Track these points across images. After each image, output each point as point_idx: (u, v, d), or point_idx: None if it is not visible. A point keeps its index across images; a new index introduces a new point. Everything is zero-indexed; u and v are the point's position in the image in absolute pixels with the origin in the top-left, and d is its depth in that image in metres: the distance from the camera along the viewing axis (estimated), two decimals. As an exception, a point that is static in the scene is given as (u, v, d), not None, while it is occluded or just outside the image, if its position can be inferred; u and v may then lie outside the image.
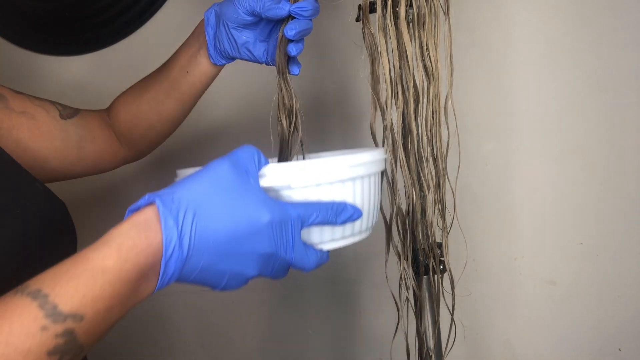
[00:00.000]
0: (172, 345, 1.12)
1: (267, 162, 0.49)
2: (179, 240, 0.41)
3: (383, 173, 0.61)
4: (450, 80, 0.66)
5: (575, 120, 0.87)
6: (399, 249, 0.69)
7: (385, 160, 0.59)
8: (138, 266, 0.41)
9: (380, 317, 1.02)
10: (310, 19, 0.60)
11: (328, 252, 0.52)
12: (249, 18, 0.62)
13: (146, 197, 0.43)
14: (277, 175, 0.49)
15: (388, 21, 0.62)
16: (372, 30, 0.62)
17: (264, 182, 0.48)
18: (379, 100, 0.64)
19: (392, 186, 0.66)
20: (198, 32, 0.68)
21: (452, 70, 0.66)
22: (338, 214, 0.50)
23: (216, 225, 0.43)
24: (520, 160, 0.91)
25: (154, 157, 0.81)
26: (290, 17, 0.60)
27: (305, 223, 0.48)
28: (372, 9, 0.63)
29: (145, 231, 0.41)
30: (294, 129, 0.62)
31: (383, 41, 0.62)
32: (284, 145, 0.63)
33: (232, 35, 0.64)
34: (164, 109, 0.70)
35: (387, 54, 0.63)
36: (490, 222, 0.94)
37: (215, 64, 0.67)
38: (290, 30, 0.59)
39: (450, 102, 0.66)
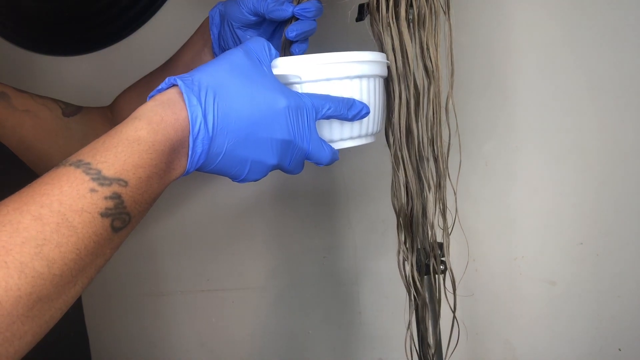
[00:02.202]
0: (172, 344, 1.12)
1: (277, 55, 0.51)
2: (204, 118, 0.43)
3: (386, 80, 0.63)
4: (451, 81, 0.66)
5: (575, 120, 0.87)
6: (404, 248, 0.69)
7: (388, 66, 0.61)
8: (169, 139, 0.42)
9: (380, 317, 1.02)
10: (314, 20, 0.61)
11: (338, 151, 0.54)
12: (253, 18, 0.63)
13: (166, 80, 0.45)
14: (288, 66, 0.51)
15: (390, 20, 0.62)
16: (380, 29, 0.62)
17: (275, 72, 0.50)
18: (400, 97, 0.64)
19: (396, 183, 0.66)
20: (202, 30, 0.68)
21: (452, 70, 0.66)
22: (349, 107, 0.53)
23: (237, 107, 0.45)
24: (520, 160, 0.91)
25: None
26: (293, 18, 0.61)
27: (319, 113, 0.50)
28: (377, 8, 0.63)
29: (171, 107, 0.43)
30: None
31: (388, 40, 0.62)
32: None
33: (236, 34, 0.64)
34: None
35: (394, 53, 0.63)
36: (490, 222, 0.94)
37: None
38: (291, 32, 0.60)
39: (450, 102, 0.66)
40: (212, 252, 1.08)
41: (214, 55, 0.67)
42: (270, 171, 0.50)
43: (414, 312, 0.71)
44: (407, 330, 0.71)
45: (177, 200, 1.12)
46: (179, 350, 1.12)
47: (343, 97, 0.53)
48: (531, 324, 0.95)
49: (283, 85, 0.48)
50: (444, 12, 0.65)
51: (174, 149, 0.43)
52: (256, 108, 0.46)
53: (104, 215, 0.38)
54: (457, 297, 0.72)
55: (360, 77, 0.55)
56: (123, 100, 0.74)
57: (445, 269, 0.69)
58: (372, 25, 0.64)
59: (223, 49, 0.67)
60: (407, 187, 0.67)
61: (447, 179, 0.67)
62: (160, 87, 0.45)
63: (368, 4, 0.64)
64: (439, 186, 0.66)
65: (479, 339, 0.98)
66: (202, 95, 0.43)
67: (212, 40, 0.67)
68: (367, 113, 0.55)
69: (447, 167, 0.66)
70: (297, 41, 0.62)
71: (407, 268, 0.69)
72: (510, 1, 0.87)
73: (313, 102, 0.50)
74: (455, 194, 0.68)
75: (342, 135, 0.55)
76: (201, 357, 1.10)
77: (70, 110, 0.69)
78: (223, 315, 1.08)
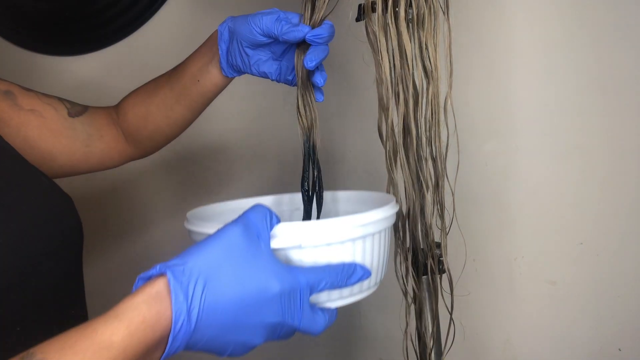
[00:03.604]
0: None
1: (278, 221, 0.49)
2: (187, 314, 0.42)
3: (394, 225, 0.61)
4: (450, 81, 0.66)
5: (575, 120, 0.87)
6: (400, 248, 0.69)
7: (397, 213, 0.58)
8: (145, 342, 0.41)
9: (380, 317, 1.02)
10: (327, 45, 0.60)
11: (336, 309, 0.52)
12: (264, 39, 0.62)
13: (157, 268, 0.43)
14: (288, 235, 0.48)
15: (388, 21, 0.62)
16: (375, 30, 0.62)
17: (275, 244, 0.48)
18: (382, 100, 0.64)
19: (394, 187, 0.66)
20: (211, 43, 0.68)
21: (451, 70, 0.66)
22: (348, 276, 0.50)
23: (225, 298, 0.43)
24: (520, 160, 0.91)
25: (161, 153, 0.81)
26: (305, 42, 0.60)
27: (314, 290, 0.48)
28: (373, 9, 0.63)
29: (156, 305, 0.41)
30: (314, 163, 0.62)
31: (384, 40, 0.62)
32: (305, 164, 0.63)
33: (245, 52, 0.63)
34: (173, 113, 0.71)
35: (388, 54, 0.63)
36: (490, 222, 0.93)
37: (227, 76, 0.67)
38: (311, 61, 0.58)
39: (449, 102, 0.66)
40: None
41: (221, 69, 0.67)
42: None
43: (411, 312, 0.71)
44: (406, 331, 0.71)
45: (177, 201, 1.12)
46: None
47: (343, 265, 0.50)
48: (531, 324, 0.95)
49: (279, 265, 0.46)
50: (443, 12, 0.65)
51: (148, 350, 0.41)
52: (247, 296, 0.44)
53: None
54: (456, 297, 0.72)
55: (364, 237, 0.51)
56: (128, 103, 0.74)
57: (444, 269, 0.69)
58: (366, 26, 0.63)
59: (231, 64, 0.66)
60: (405, 188, 0.67)
61: (446, 179, 0.67)
62: (150, 272, 0.43)
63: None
64: (437, 186, 0.66)
65: (479, 339, 0.98)
66: (190, 288, 0.42)
67: (219, 55, 0.66)
68: (368, 277, 0.52)
69: (445, 167, 0.66)
70: (317, 70, 0.60)
71: (403, 268, 0.69)
72: (510, 1, 0.87)
73: (308, 280, 0.47)
74: (453, 194, 0.68)
75: (341, 294, 0.52)
76: (202, 356, 1.11)
77: (76, 110, 0.69)
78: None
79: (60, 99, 0.69)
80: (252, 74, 0.66)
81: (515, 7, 0.87)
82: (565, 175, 0.89)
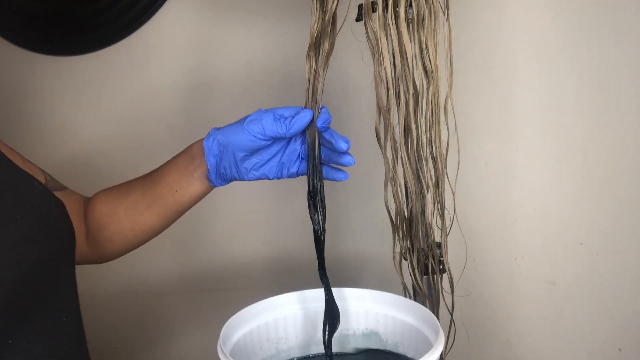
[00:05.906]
0: (173, 344, 1.13)
1: None
2: None
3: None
4: (450, 81, 0.66)
5: (575, 120, 0.87)
6: (402, 248, 0.69)
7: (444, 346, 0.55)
8: None
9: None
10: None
11: None
12: (266, 142, 0.61)
13: None
14: None
15: (389, 21, 0.62)
16: (375, 30, 0.62)
17: None
18: (380, 101, 0.64)
19: (393, 185, 0.66)
20: (192, 154, 0.66)
21: (451, 70, 0.66)
22: None
23: None
24: (520, 160, 0.91)
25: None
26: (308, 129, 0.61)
27: None
28: (373, 9, 0.63)
29: None
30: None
31: (384, 40, 0.62)
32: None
33: (243, 160, 0.62)
34: (141, 219, 0.68)
35: (389, 54, 0.63)
36: (490, 222, 0.93)
37: (214, 186, 0.66)
38: (345, 142, 0.59)
39: (449, 102, 0.66)
40: (213, 251, 1.08)
41: (209, 181, 0.65)
42: None
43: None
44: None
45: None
46: (180, 350, 1.12)
47: None
48: (531, 324, 0.95)
49: None
50: (443, 12, 0.65)
51: None
52: None
53: None
54: (457, 297, 0.72)
55: None
56: (99, 198, 0.71)
57: (444, 269, 0.69)
58: (366, 26, 0.63)
59: (222, 175, 0.64)
60: (405, 188, 0.67)
61: (446, 179, 0.67)
62: None
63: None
64: (437, 186, 0.66)
65: (479, 339, 0.97)
66: None
67: (209, 169, 0.64)
68: None
69: (445, 167, 0.66)
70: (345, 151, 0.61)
71: (405, 267, 0.69)
72: (510, 1, 0.87)
73: None
74: (453, 194, 0.68)
75: None
76: (202, 356, 1.11)
77: (53, 185, 0.66)
78: (223, 314, 1.08)
79: (43, 171, 0.66)
80: (248, 180, 0.64)
81: (515, 7, 0.87)
82: (565, 175, 0.89)
